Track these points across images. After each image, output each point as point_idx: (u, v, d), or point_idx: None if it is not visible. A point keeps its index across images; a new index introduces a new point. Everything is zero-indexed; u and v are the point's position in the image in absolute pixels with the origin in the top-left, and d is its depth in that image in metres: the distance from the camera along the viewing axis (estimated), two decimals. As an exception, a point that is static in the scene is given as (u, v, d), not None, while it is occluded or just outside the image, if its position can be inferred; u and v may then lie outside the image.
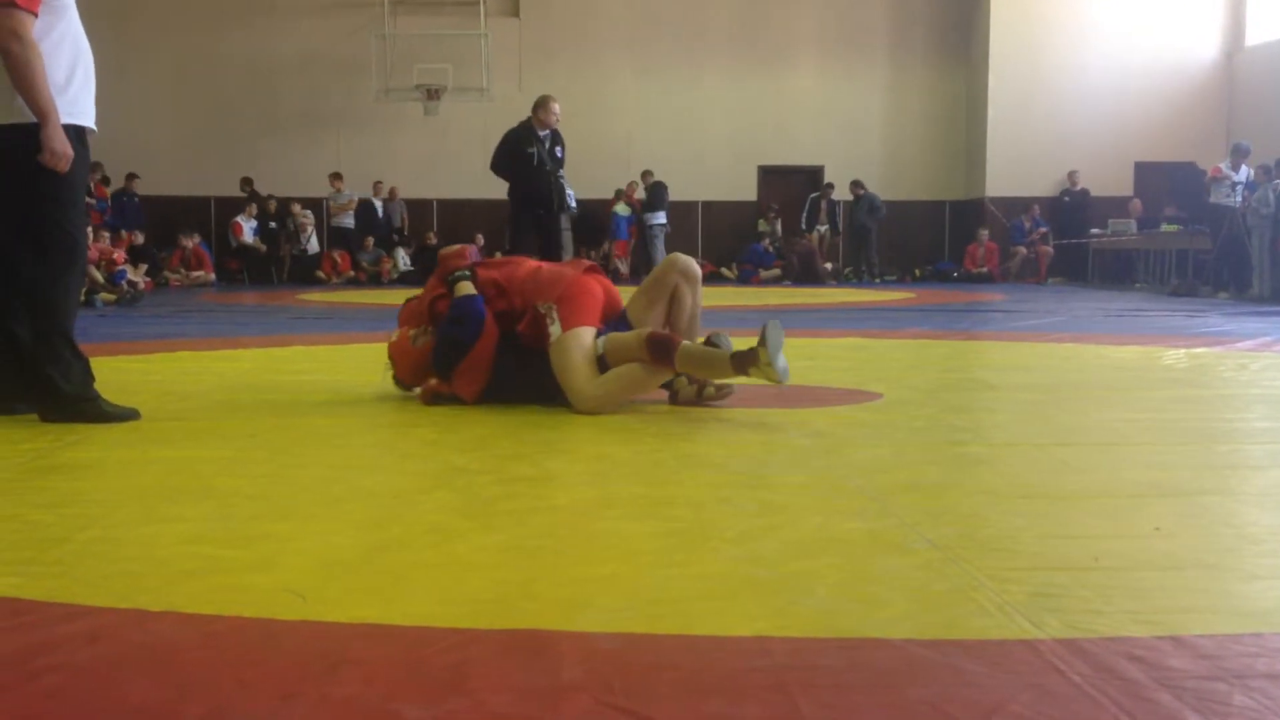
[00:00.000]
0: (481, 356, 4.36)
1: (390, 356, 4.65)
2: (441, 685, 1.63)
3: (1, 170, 3.99)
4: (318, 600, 2.01)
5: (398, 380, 4.65)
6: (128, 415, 4.08)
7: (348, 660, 1.72)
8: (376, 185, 20.10)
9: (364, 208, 20.09)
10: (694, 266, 4.55)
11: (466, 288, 4.43)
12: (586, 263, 4.68)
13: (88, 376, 4.09)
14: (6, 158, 3.97)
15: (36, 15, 3.91)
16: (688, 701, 1.57)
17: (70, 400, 4.01)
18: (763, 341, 3.93)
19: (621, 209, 19.72)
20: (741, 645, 1.79)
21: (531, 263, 4.71)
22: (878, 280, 19.63)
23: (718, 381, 4.41)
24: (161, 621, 1.90)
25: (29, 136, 3.91)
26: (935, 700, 1.58)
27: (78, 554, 2.33)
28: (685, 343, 4.19)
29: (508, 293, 4.47)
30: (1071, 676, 1.66)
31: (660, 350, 4.15)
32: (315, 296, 14.69)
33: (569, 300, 4.33)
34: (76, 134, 4.04)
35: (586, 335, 4.29)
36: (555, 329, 4.29)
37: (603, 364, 4.25)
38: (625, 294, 4.63)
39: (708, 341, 4.28)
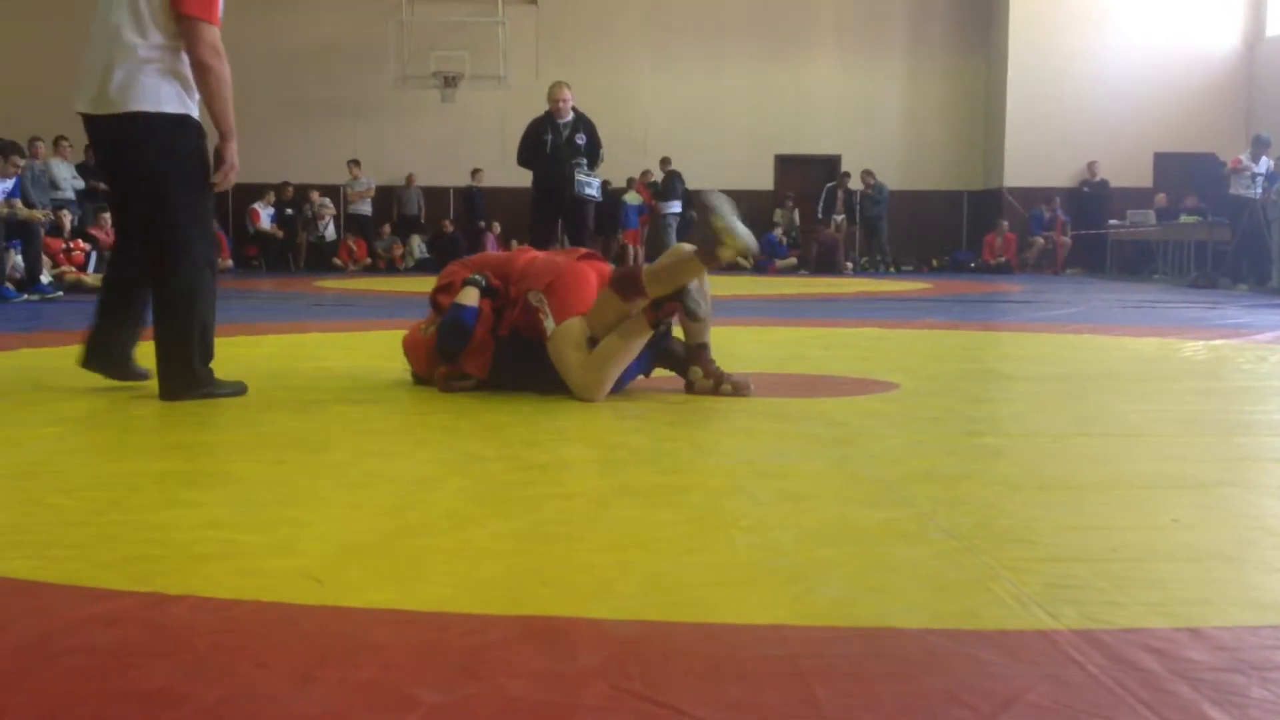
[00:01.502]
0: (483, 342, 4.39)
1: (405, 350, 4.68)
2: (459, 670, 1.63)
3: (150, 156, 4.14)
4: (336, 585, 2.01)
5: (415, 374, 4.68)
6: (238, 390, 4.30)
7: (366, 645, 1.73)
8: (476, 173, 19.96)
9: (385, 195, 20.12)
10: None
11: (468, 295, 4.41)
12: (582, 250, 4.66)
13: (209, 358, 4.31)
14: (157, 145, 4.12)
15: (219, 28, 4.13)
16: (705, 688, 1.57)
17: (198, 382, 4.20)
18: (710, 209, 3.91)
19: (631, 198, 19.70)
20: (758, 633, 1.79)
21: (531, 253, 4.73)
22: (891, 270, 19.59)
23: (735, 378, 4.42)
24: (180, 605, 1.91)
25: (175, 127, 4.12)
26: (952, 690, 1.57)
27: (96, 537, 2.34)
28: (646, 266, 4.19)
29: (506, 283, 4.48)
30: (1089, 667, 1.65)
31: (628, 286, 4.15)
32: (332, 283, 14.73)
33: (559, 290, 4.29)
34: (198, 130, 4.22)
35: (576, 326, 4.27)
36: (549, 324, 4.28)
37: (594, 343, 4.26)
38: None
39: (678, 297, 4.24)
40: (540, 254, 4.66)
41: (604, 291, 4.23)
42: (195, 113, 4.20)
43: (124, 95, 4.09)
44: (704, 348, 4.46)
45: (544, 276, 4.35)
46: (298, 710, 1.50)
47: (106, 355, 4.41)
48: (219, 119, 4.18)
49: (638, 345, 4.24)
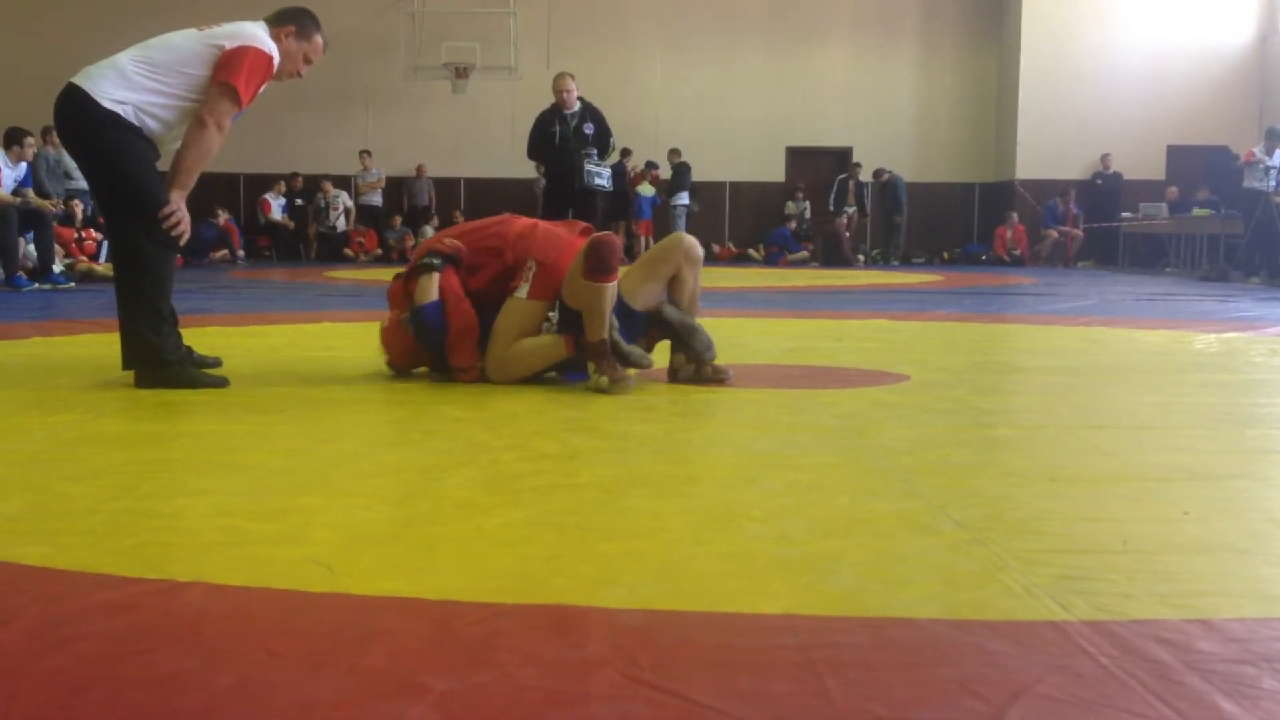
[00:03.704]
0: (464, 330, 4.35)
1: (382, 342, 4.62)
2: (469, 658, 1.64)
3: (104, 146, 4.20)
4: (346, 573, 2.02)
5: (391, 364, 4.62)
6: (217, 383, 4.26)
7: (376, 632, 1.73)
8: (651, 166, 19.47)
9: (395, 185, 20.12)
10: (698, 248, 4.55)
11: (427, 291, 4.32)
12: (582, 225, 4.65)
13: (181, 343, 4.36)
14: (107, 136, 4.17)
15: (241, 111, 4.23)
16: (714, 677, 1.57)
17: (167, 364, 4.21)
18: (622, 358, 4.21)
19: (645, 189, 19.68)
20: (768, 623, 1.79)
21: (525, 220, 4.63)
22: (897, 263, 19.53)
23: (717, 364, 4.46)
24: (191, 592, 1.91)
25: (113, 123, 4.14)
26: (963, 680, 1.57)
27: (107, 525, 2.35)
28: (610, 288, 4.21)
29: (502, 251, 4.42)
30: (1099, 658, 1.65)
31: (595, 268, 4.15)
32: (343, 274, 14.74)
33: (553, 269, 4.32)
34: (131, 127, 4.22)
35: (538, 311, 4.33)
36: (522, 290, 4.31)
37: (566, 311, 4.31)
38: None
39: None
40: (540, 223, 4.59)
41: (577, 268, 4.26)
42: (136, 125, 4.20)
43: (85, 78, 4.20)
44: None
45: (547, 249, 4.36)
46: (308, 697, 1.51)
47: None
48: (181, 172, 4.25)
49: (548, 361, 4.35)
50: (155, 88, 4.19)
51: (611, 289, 4.18)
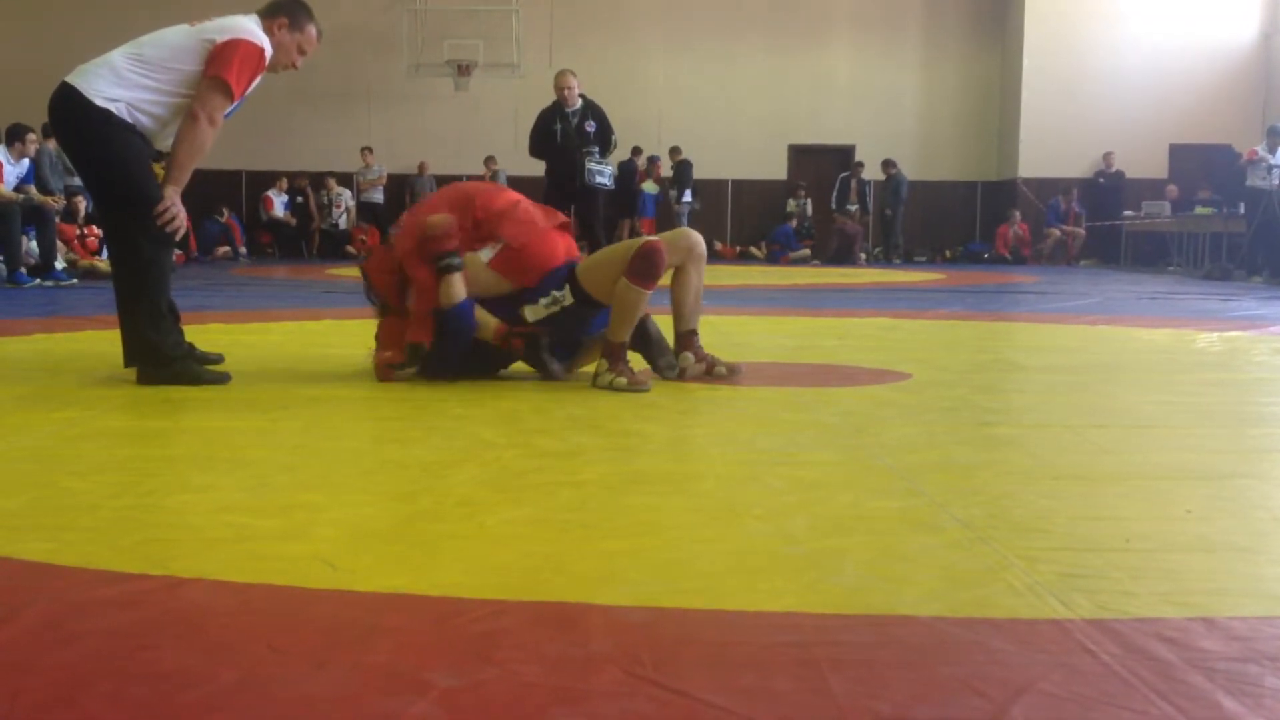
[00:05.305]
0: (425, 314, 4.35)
1: (382, 338, 4.53)
2: (472, 655, 1.64)
3: (98, 144, 4.20)
4: (349, 569, 2.02)
5: (380, 371, 4.50)
6: (219, 379, 4.27)
7: (379, 629, 1.73)
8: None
9: (397, 183, 20.11)
10: (702, 245, 4.54)
11: (454, 292, 4.26)
12: (562, 217, 4.62)
13: (183, 340, 4.36)
14: (101, 134, 4.17)
15: (236, 104, 4.24)
16: (717, 675, 1.57)
17: (169, 361, 4.20)
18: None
19: (649, 187, 19.67)
20: (771, 620, 1.79)
21: (510, 195, 4.59)
22: (900, 260, 19.52)
23: (727, 362, 4.48)
24: (194, 588, 1.91)
25: (106, 121, 4.14)
26: (965, 678, 1.57)
27: (110, 521, 2.35)
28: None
29: (484, 223, 4.40)
30: (1102, 656, 1.65)
31: (642, 272, 4.21)
32: (345, 271, 14.73)
33: (519, 253, 4.33)
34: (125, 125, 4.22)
35: (491, 281, 4.33)
36: (484, 253, 4.33)
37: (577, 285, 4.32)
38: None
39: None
40: (525, 204, 4.53)
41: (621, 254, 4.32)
42: (130, 122, 4.20)
43: (79, 76, 4.20)
44: (693, 334, 4.49)
45: (518, 233, 4.35)
46: (311, 693, 1.51)
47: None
48: (175, 167, 4.25)
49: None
50: (148, 84, 4.18)
51: (647, 297, 4.25)
